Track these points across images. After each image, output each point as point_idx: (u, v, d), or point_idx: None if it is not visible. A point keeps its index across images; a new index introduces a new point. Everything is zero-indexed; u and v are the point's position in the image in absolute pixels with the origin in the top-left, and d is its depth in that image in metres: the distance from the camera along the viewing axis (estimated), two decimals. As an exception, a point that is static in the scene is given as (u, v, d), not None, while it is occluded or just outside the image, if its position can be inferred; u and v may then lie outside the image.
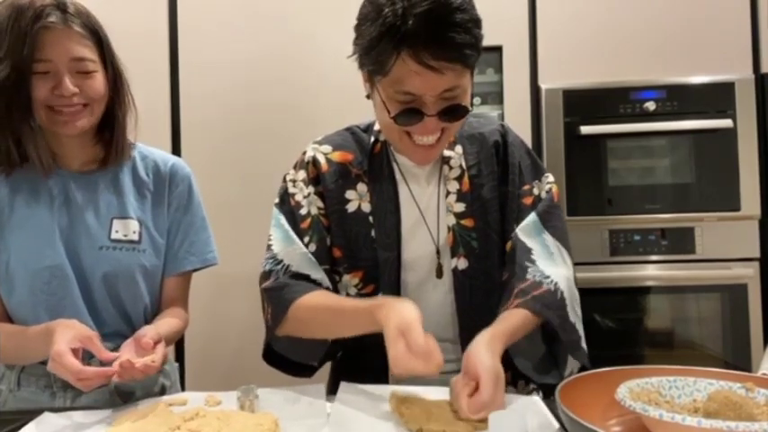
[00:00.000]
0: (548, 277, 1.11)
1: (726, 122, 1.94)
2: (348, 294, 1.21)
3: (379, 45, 1.01)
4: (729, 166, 1.96)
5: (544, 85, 2.00)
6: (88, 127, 1.16)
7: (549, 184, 1.21)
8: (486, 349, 0.96)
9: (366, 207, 1.18)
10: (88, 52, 1.12)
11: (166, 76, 2.04)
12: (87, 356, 1.05)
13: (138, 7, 2.03)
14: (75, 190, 1.19)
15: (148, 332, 1.07)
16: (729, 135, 1.95)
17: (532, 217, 1.17)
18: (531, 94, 2.02)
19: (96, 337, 1.03)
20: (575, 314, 1.13)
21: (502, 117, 2.02)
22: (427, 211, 1.19)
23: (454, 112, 1.06)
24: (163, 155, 1.31)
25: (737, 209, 1.95)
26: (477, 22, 1.04)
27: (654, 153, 2.01)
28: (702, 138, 1.97)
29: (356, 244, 1.18)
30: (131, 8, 2.03)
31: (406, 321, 0.92)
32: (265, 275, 1.18)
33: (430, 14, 0.98)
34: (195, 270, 1.31)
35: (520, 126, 1.94)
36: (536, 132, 2.01)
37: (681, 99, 1.97)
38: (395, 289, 1.17)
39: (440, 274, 1.18)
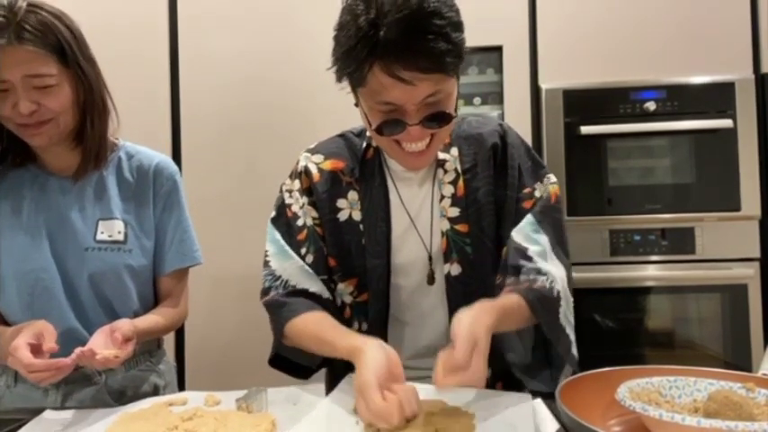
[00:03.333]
0: (544, 274, 1.08)
1: (726, 122, 1.94)
2: (343, 302, 1.20)
3: (351, 56, 0.97)
4: (729, 166, 1.96)
5: (544, 85, 2.00)
6: (57, 138, 1.15)
7: (550, 185, 1.17)
8: (467, 314, 0.93)
9: (357, 215, 1.17)
10: (43, 67, 1.08)
11: (166, 70, 2.04)
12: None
13: (139, 2, 2.03)
14: (60, 193, 1.20)
15: (124, 326, 1.08)
16: (729, 135, 1.95)
17: (528, 218, 1.13)
18: (531, 94, 2.02)
19: (50, 336, 1.03)
20: (566, 319, 1.10)
21: (502, 117, 2.01)
22: (419, 217, 1.16)
23: (438, 119, 1.01)
24: (149, 153, 1.29)
25: (738, 209, 1.95)
26: (456, 26, 0.97)
27: (654, 153, 2.00)
28: (702, 138, 1.97)
29: (348, 252, 1.16)
30: (131, 3, 2.03)
31: (363, 382, 0.89)
32: (265, 291, 1.17)
33: (402, 23, 0.92)
34: (184, 268, 1.31)
35: (520, 126, 1.93)
36: (536, 132, 2.01)
37: (681, 99, 1.96)
38: (384, 296, 1.15)
39: (431, 280, 1.16)
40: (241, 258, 2.00)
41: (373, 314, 1.16)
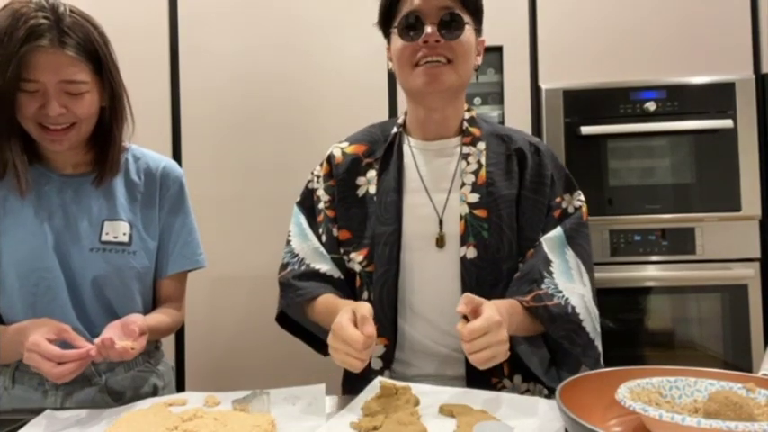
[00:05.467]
0: (560, 292, 1.14)
1: (726, 123, 1.93)
2: (355, 271, 1.26)
3: None
4: (730, 166, 1.95)
5: (544, 85, 2.00)
6: (76, 143, 1.16)
7: (580, 202, 1.24)
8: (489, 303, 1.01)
9: (373, 189, 1.26)
10: (79, 74, 1.09)
11: (166, 70, 2.03)
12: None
13: (139, 3, 2.03)
14: (66, 193, 1.19)
15: (137, 320, 1.09)
16: (730, 135, 1.95)
17: (558, 231, 1.20)
18: (531, 94, 2.02)
19: (70, 329, 1.04)
20: (595, 331, 1.16)
21: (502, 117, 2.02)
22: (435, 192, 1.22)
23: (452, 23, 1.15)
24: (155, 156, 1.31)
25: (738, 209, 1.95)
26: None
27: (654, 153, 2.00)
28: (703, 138, 1.96)
29: (362, 225, 1.25)
30: (131, 2, 2.03)
31: (336, 323, 1.00)
32: (283, 266, 1.30)
33: None
34: (186, 271, 1.33)
35: (520, 126, 1.94)
36: (536, 132, 2.01)
37: (681, 99, 1.96)
38: (393, 264, 1.20)
39: (441, 243, 1.20)
40: (242, 259, 2.00)
41: (378, 279, 1.20)
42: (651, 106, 1.96)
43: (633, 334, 2.01)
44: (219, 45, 2.03)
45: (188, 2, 2.04)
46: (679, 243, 1.97)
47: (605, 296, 1.97)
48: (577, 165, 1.97)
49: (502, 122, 2.01)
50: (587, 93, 1.98)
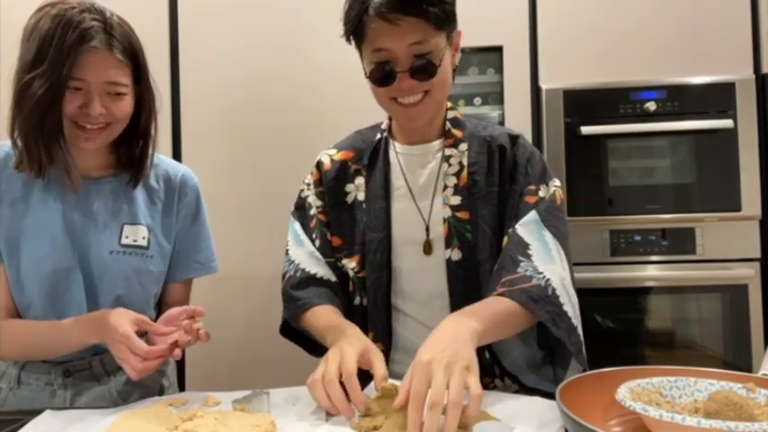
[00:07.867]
0: (540, 273, 1.09)
1: (726, 123, 1.93)
2: (349, 277, 1.27)
3: (352, 9, 1.13)
4: (730, 166, 1.95)
5: (544, 85, 2.00)
6: (106, 143, 1.18)
7: (555, 187, 1.21)
8: (451, 319, 0.98)
9: (361, 196, 1.27)
10: (123, 77, 1.13)
11: (167, 71, 2.03)
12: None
13: (139, 2, 2.03)
14: (88, 194, 1.20)
15: (186, 310, 1.14)
16: (730, 135, 1.95)
17: (533, 215, 1.16)
18: (531, 94, 2.02)
19: (149, 320, 1.07)
20: (577, 318, 1.12)
21: (502, 117, 2.02)
22: (421, 198, 1.23)
23: (424, 69, 1.11)
24: (172, 164, 1.33)
25: (738, 209, 1.95)
26: None
27: (654, 153, 2.00)
28: (703, 138, 1.96)
29: (353, 231, 1.25)
30: (131, 3, 2.02)
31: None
32: (283, 276, 1.31)
33: None
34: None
35: (520, 126, 1.95)
36: (536, 132, 2.01)
37: (681, 99, 1.96)
38: (382, 268, 1.21)
39: (428, 249, 1.21)
40: (243, 259, 2.00)
41: (371, 286, 1.22)
42: (651, 106, 1.96)
43: (633, 334, 2.01)
44: (220, 46, 2.04)
45: (188, 2, 2.04)
46: (679, 243, 1.97)
47: (605, 296, 1.98)
48: (577, 165, 1.98)
49: (502, 122, 2.01)
50: (587, 93, 1.98)
